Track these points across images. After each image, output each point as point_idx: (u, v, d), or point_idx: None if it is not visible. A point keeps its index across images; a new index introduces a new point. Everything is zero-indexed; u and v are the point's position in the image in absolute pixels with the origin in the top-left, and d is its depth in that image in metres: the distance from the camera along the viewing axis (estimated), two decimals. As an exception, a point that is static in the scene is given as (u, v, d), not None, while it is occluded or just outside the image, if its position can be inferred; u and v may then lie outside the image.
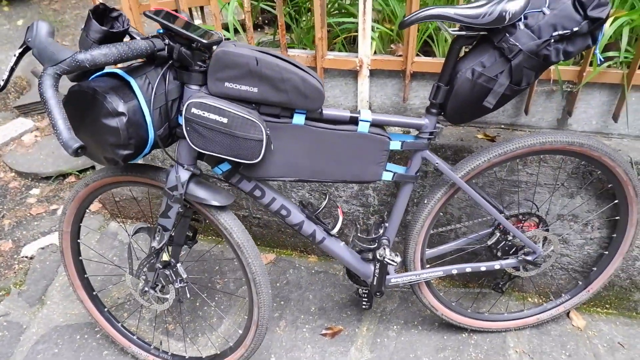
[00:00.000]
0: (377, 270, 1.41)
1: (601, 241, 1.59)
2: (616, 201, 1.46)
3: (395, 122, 1.24)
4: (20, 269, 2.05)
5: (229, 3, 1.71)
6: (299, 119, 1.19)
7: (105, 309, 1.62)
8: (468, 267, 1.46)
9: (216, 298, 1.84)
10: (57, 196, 2.52)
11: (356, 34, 1.75)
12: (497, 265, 1.45)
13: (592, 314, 1.72)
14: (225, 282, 1.91)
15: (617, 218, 1.49)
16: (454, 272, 1.46)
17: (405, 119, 1.25)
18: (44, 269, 2.02)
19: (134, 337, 1.61)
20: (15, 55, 0.95)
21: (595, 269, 1.59)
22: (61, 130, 0.88)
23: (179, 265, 1.35)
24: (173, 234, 1.31)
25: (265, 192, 1.30)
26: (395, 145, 1.25)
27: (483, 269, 1.45)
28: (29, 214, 2.40)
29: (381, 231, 1.40)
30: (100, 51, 0.94)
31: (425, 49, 1.67)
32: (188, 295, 1.37)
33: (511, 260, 1.45)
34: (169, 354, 1.57)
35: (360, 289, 1.57)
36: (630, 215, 1.44)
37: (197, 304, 1.81)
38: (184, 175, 1.21)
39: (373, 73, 1.61)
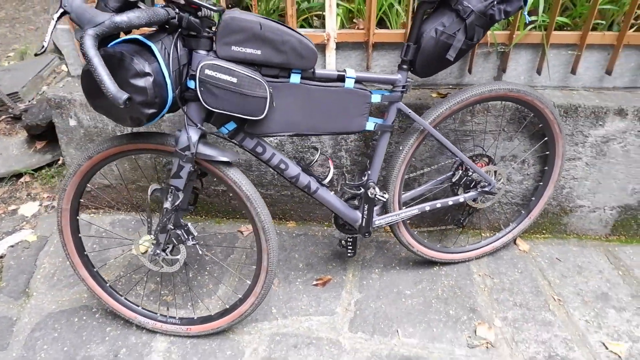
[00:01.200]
0: (365, 212, 1.61)
1: (536, 175, 1.93)
2: (546, 139, 1.79)
3: (374, 78, 1.46)
4: (-9, 268, 2.00)
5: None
6: (295, 78, 1.36)
7: (107, 284, 1.66)
8: (438, 203, 1.71)
9: (207, 268, 1.94)
10: (14, 197, 2.44)
11: (318, 12, 1.96)
12: (461, 198, 1.72)
13: (533, 240, 2.07)
14: (212, 253, 2.01)
15: (547, 153, 1.83)
16: (427, 208, 1.71)
17: (382, 75, 1.46)
18: (20, 265, 1.98)
19: (139, 308, 1.67)
20: (54, 19, 1.02)
21: (533, 198, 1.92)
22: (108, 85, 0.98)
23: (189, 224, 1.46)
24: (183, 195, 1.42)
25: (266, 149, 1.45)
26: (375, 98, 1.46)
27: (450, 203, 1.72)
28: (-14, 217, 2.31)
29: (365, 178, 1.61)
30: (134, 14, 1.05)
31: (380, 26, 1.90)
32: (200, 252, 1.48)
33: (472, 193, 1.73)
34: (177, 317, 1.66)
35: (343, 240, 1.78)
36: (557, 149, 1.78)
37: (191, 275, 1.90)
38: (195, 135, 1.33)
39: (338, 46, 1.82)
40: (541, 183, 1.90)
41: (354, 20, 1.87)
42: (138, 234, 1.51)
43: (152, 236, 1.48)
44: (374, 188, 1.56)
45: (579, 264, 1.94)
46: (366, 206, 1.61)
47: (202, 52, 1.26)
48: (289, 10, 1.74)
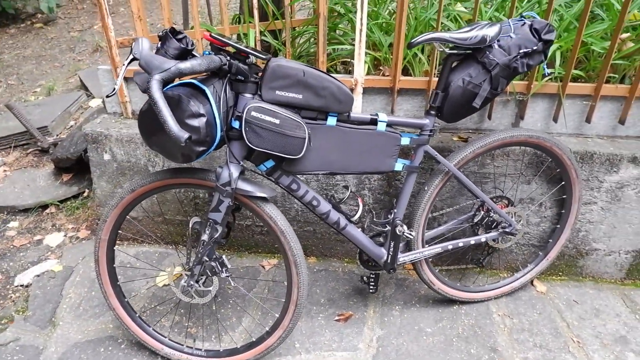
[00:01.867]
0: (391, 249, 1.67)
1: (552, 218, 1.99)
2: (563, 183, 1.87)
3: (404, 122, 1.55)
4: (17, 297, 2.03)
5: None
6: (331, 121, 1.46)
7: (137, 315, 1.69)
8: (460, 242, 1.77)
9: (231, 301, 1.97)
10: (39, 227, 2.49)
11: (346, 59, 2.08)
12: (483, 238, 1.78)
13: (550, 281, 2.10)
14: (235, 286, 2.04)
15: (564, 197, 1.90)
16: (450, 247, 1.76)
17: (412, 119, 1.56)
18: (46, 294, 2.02)
19: (166, 339, 1.69)
20: (124, 65, 1.12)
21: (551, 240, 1.98)
22: (171, 126, 1.07)
23: (224, 256, 1.51)
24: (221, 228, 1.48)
25: (300, 186, 1.52)
26: (405, 141, 1.55)
27: (472, 242, 1.78)
28: (12, 246, 2.36)
29: (391, 216, 1.68)
30: (196, 62, 1.15)
31: (403, 73, 2.02)
32: (233, 284, 1.53)
33: (493, 233, 1.79)
34: (202, 349, 1.68)
35: (365, 277, 1.83)
36: (574, 194, 1.85)
37: (214, 307, 1.93)
38: (236, 171, 1.41)
39: (365, 91, 1.93)
40: (558, 225, 1.96)
41: (380, 68, 1.99)
42: (173, 265, 1.56)
43: (185, 268, 1.53)
44: (401, 226, 1.63)
45: (596, 307, 1.97)
46: (392, 243, 1.67)
47: (248, 95, 1.35)
48: (320, 57, 1.86)
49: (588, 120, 1.89)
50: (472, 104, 1.52)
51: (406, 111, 1.97)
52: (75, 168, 2.70)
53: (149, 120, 1.25)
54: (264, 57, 1.31)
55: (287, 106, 1.38)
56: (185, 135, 1.07)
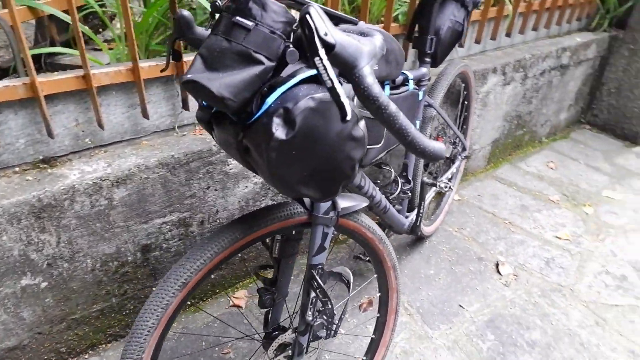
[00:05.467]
0: (421, 210, 1.60)
1: (454, 136, 2.29)
2: (466, 103, 2.15)
3: (417, 75, 1.43)
4: None
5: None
6: (387, 91, 1.21)
7: None
8: (445, 179, 1.85)
9: None
10: None
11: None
12: (454, 168, 1.91)
13: (454, 189, 2.47)
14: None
15: (465, 115, 2.20)
16: (442, 185, 1.82)
17: (419, 71, 1.45)
18: None
19: None
20: (320, 57, 0.58)
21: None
22: (428, 144, 0.69)
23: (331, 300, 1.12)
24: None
25: (366, 180, 1.24)
26: (421, 95, 1.45)
27: (455, 171, 1.88)
28: None
29: (405, 180, 1.58)
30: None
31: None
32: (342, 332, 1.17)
33: (458, 162, 1.95)
34: None
35: (360, 254, 1.71)
36: (472, 109, 2.17)
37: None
38: (336, 188, 1.03)
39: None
40: (465, 126, 2.26)
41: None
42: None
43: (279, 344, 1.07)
44: (441, 181, 1.56)
45: (492, 193, 2.46)
46: (421, 204, 1.59)
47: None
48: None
49: (478, 41, 2.20)
50: (456, 44, 1.53)
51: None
52: None
53: (304, 149, 0.74)
54: (354, 20, 0.94)
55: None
56: (445, 150, 0.71)
